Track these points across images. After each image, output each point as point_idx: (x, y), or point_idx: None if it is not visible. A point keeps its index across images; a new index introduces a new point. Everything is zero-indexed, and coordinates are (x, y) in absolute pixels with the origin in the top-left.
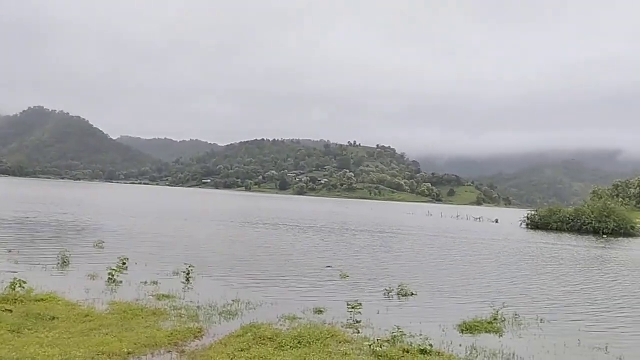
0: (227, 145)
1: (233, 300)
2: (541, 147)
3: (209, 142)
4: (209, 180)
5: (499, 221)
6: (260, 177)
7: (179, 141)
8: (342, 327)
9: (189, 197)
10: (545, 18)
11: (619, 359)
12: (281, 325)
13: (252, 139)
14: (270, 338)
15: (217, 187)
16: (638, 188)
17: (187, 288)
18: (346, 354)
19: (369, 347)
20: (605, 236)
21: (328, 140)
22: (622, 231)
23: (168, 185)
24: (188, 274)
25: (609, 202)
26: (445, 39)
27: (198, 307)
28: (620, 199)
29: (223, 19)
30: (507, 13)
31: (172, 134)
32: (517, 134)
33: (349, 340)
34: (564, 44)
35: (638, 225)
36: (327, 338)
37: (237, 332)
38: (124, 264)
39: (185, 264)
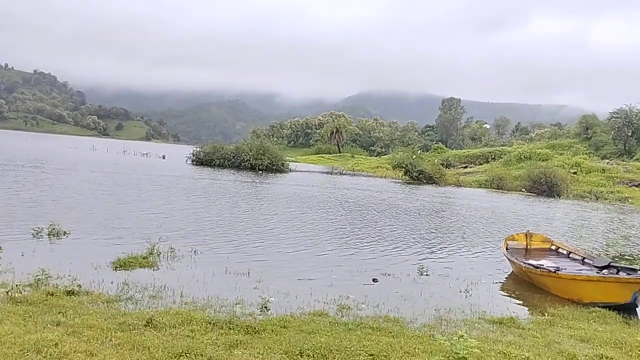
0: None
1: None
2: (210, 86)
3: None
4: None
5: (165, 157)
6: None
7: None
8: None
9: None
10: None
11: (258, 281)
12: None
13: None
14: None
15: None
16: (290, 129)
17: None
18: None
19: (6, 293)
20: (260, 172)
21: None
22: (275, 167)
23: None
24: None
25: (265, 141)
26: None
27: None
28: (275, 139)
29: None
30: None
31: None
32: (188, 71)
33: None
34: None
35: (287, 162)
36: None
37: None
38: None
39: None
